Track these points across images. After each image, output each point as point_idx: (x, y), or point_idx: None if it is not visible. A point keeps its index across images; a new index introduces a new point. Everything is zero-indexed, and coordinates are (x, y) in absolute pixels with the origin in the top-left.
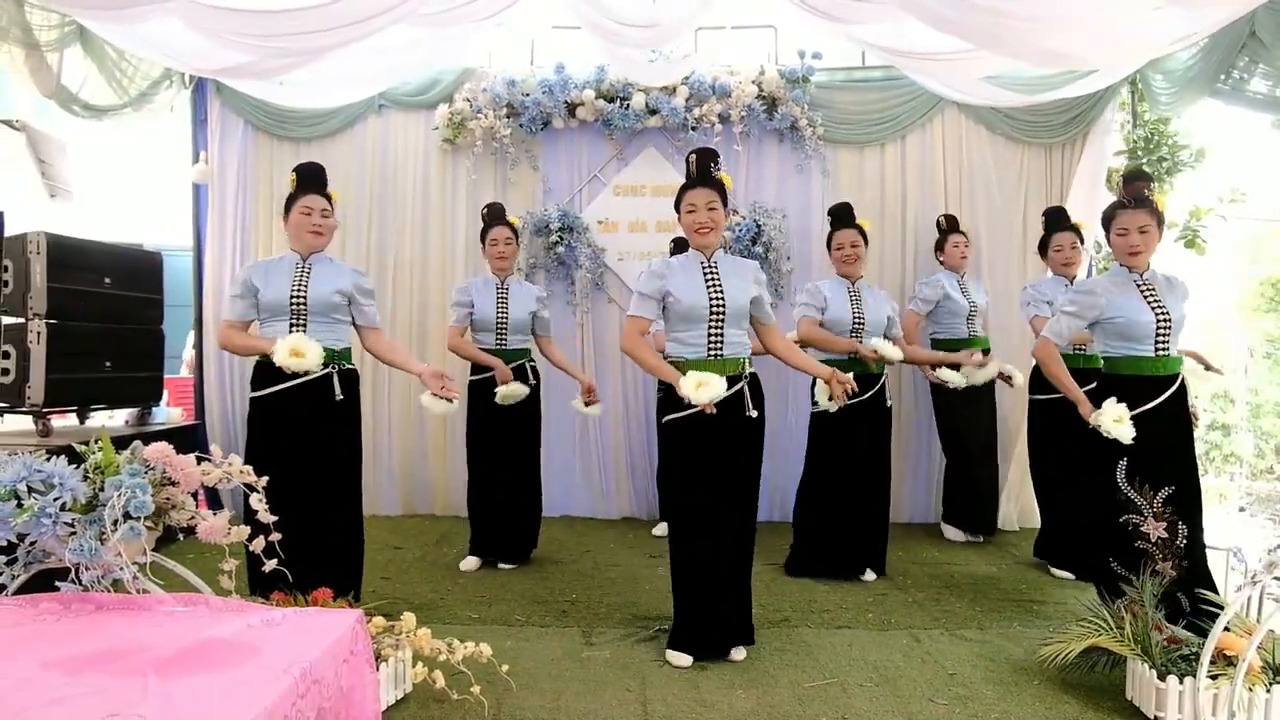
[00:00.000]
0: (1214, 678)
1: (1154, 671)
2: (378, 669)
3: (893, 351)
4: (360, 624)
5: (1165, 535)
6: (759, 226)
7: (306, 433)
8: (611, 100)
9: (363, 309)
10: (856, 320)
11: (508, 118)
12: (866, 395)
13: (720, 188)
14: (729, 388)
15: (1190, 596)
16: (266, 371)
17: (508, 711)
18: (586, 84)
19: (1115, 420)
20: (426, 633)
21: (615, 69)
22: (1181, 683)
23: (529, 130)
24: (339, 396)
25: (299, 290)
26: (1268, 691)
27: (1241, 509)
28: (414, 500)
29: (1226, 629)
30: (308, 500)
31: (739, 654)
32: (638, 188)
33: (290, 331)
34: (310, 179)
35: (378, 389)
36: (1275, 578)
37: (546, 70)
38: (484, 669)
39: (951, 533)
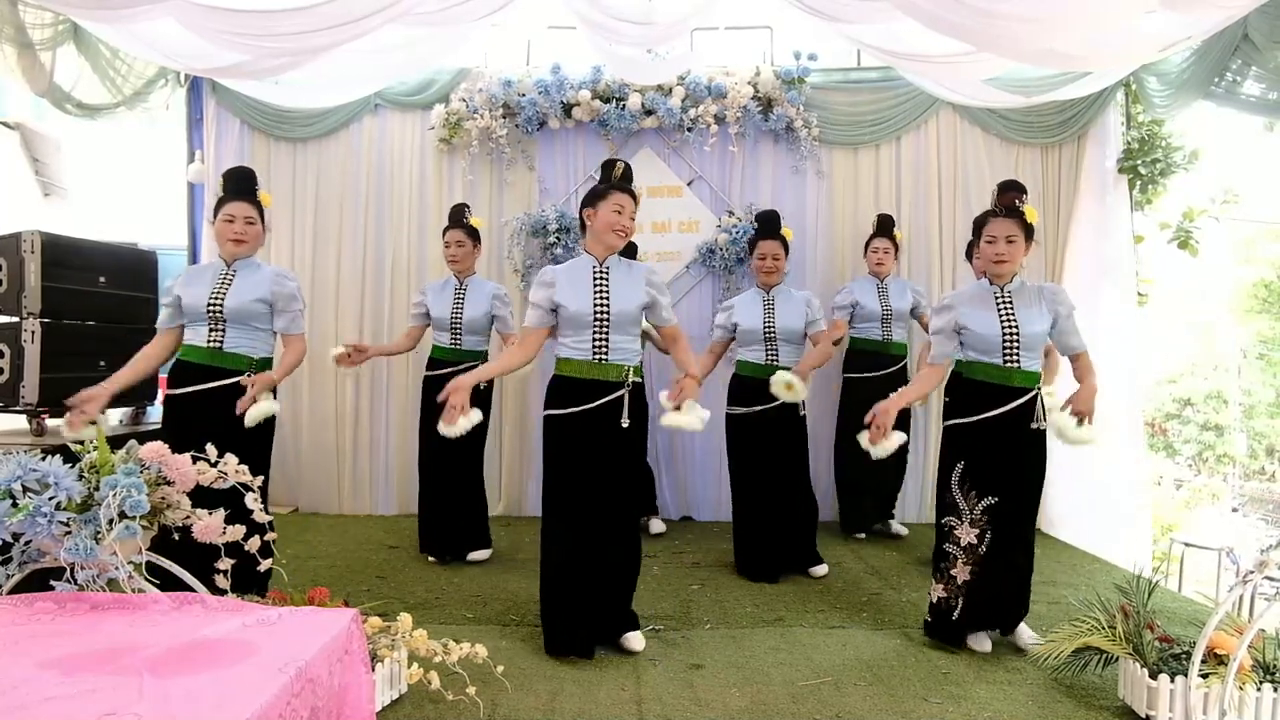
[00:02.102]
0: (1205, 676)
1: (1145, 670)
2: (373, 669)
3: (786, 393)
4: (356, 624)
5: (973, 541)
6: (755, 228)
7: (216, 435)
8: (608, 101)
9: (282, 315)
10: (767, 329)
11: (504, 118)
12: (778, 401)
13: (637, 203)
14: (610, 393)
15: (1001, 601)
16: (179, 371)
17: (503, 712)
18: (583, 84)
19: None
20: (423, 634)
21: (611, 69)
22: (1173, 681)
23: (525, 130)
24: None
25: (216, 297)
26: (1259, 690)
27: (1234, 509)
28: (409, 500)
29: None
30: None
31: (635, 642)
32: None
33: (209, 337)
34: (236, 185)
35: (376, 389)
36: (1266, 577)
37: (543, 70)
38: (479, 669)
39: (896, 527)
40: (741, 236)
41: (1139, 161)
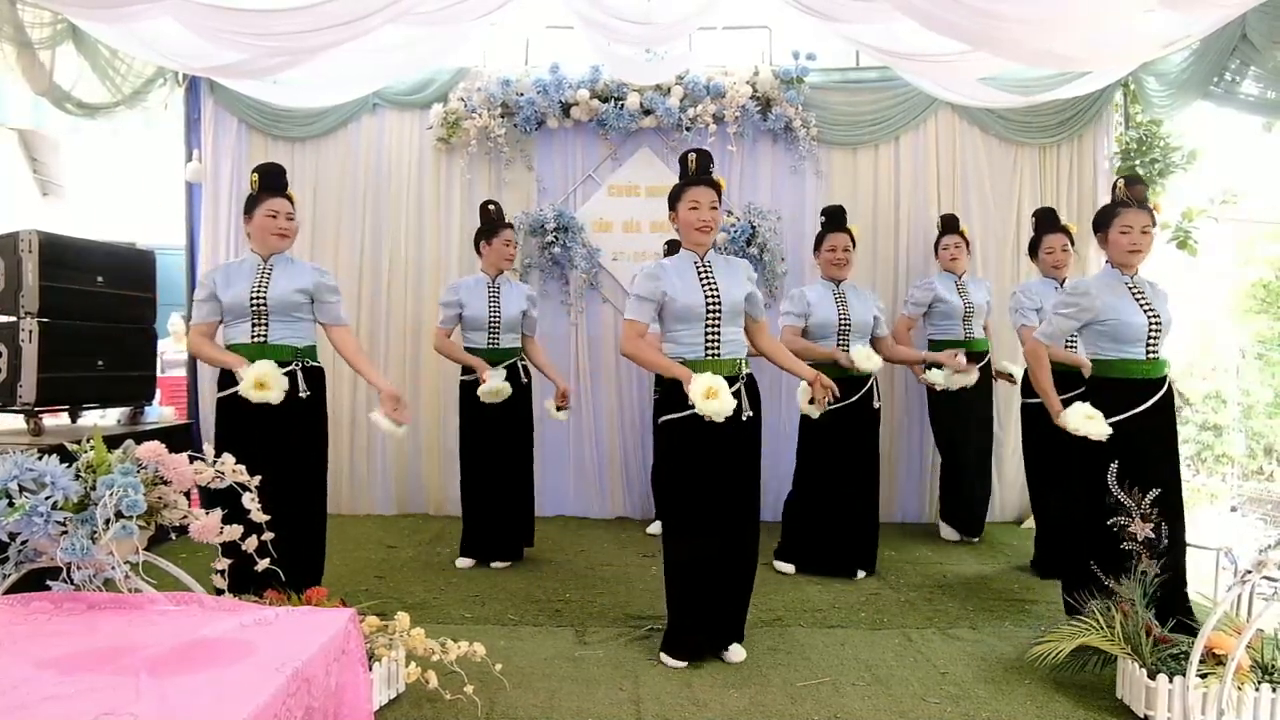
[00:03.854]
0: (1203, 676)
1: (1144, 670)
2: (371, 669)
3: (867, 363)
4: (353, 623)
5: (1151, 536)
6: (753, 228)
7: (271, 430)
8: (606, 100)
9: (325, 307)
10: (843, 322)
11: (502, 117)
12: (854, 398)
13: (719, 189)
14: (728, 389)
15: (1174, 598)
16: (227, 371)
17: (501, 711)
18: (581, 84)
19: (1087, 418)
20: (420, 633)
21: (610, 69)
22: (1171, 681)
23: (524, 130)
24: (303, 393)
25: (259, 291)
26: (1257, 690)
27: (1233, 509)
28: (407, 500)
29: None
30: (272, 497)
31: (736, 655)
32: (632, 188)
33: (253, 332)
34: (273, 181)
35: (372, 389)
36: (1265, 577)
37: (541, 70)
38: (477, 668)
39: (946, 531)
40: (740, 236)
41: (1137, 162)
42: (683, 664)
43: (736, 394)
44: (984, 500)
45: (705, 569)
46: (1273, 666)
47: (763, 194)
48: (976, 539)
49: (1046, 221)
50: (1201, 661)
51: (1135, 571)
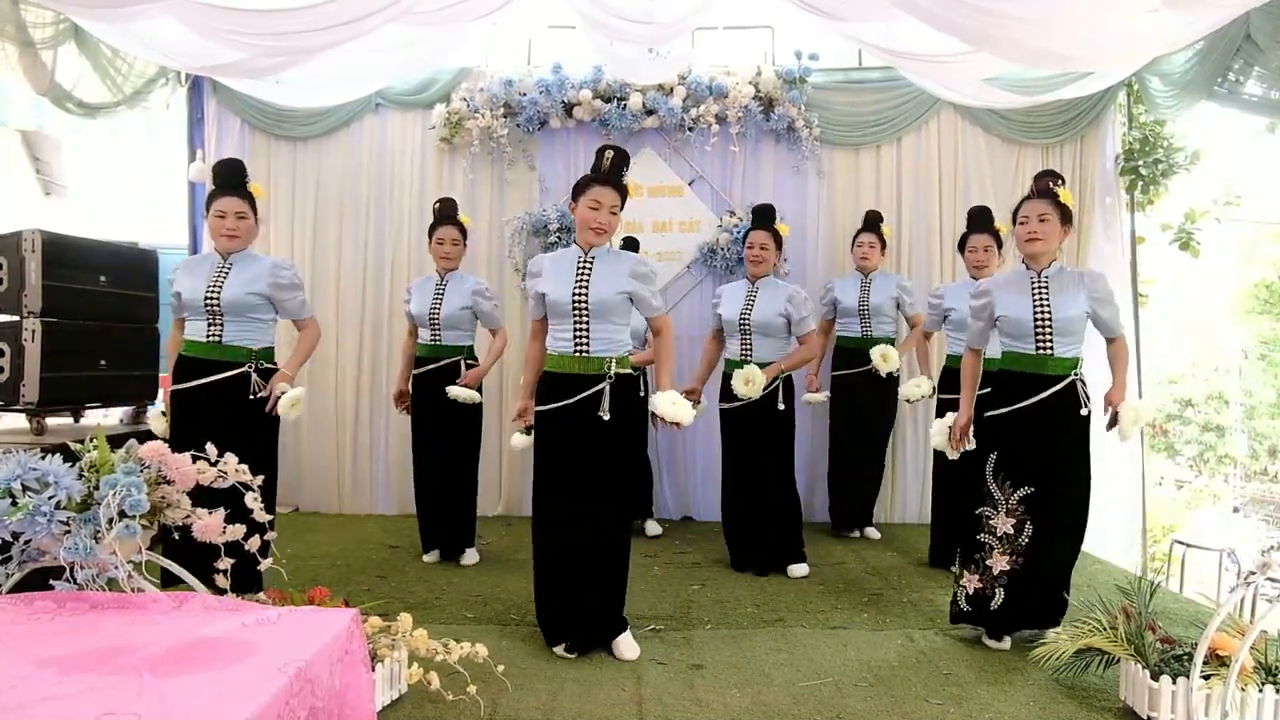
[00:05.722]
0: (1207, 678)
1: (1147, 672)
2: (373, 669)
3: (745, 389)
4: (356, 623)
5: (1010, 531)
6: None
7: (221, 429)
8: (609, 100)
9: (284, 306)
10: (743, 320)
11: (505, 117)
12: (758, 398)
13: (625, 194)
14: (591, 386)
15: (1033, 597)
16: (182, 366)
17: (503, 711)
18: (584, 84)
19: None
20: (423, 633)
21: (612, 69)
22: (1175, 683)
23: (526, 130)
24: (255, 395)
25: (213, 291)
26: (1260, 692)
27: (1236, 510)
28: (409, 500)
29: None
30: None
31: (625, 650)
32: (634, 188)
33: (208, 331)
34: (226, 179)
35: (376, 388)
36: (1268, 578)
37: (544, 70)
38: (479, 668)
39: (869, 531)
40: (742, 236)
41: (1140, 162)
42: (560, 649)
43: (599, 394)
44: (871, 493)
45: (561, 563)
46: (1276, 668)
47: (765, 194)
48: (857, 533)
49: (974, 220)
50: (1205, 663)
51: (980, 564)
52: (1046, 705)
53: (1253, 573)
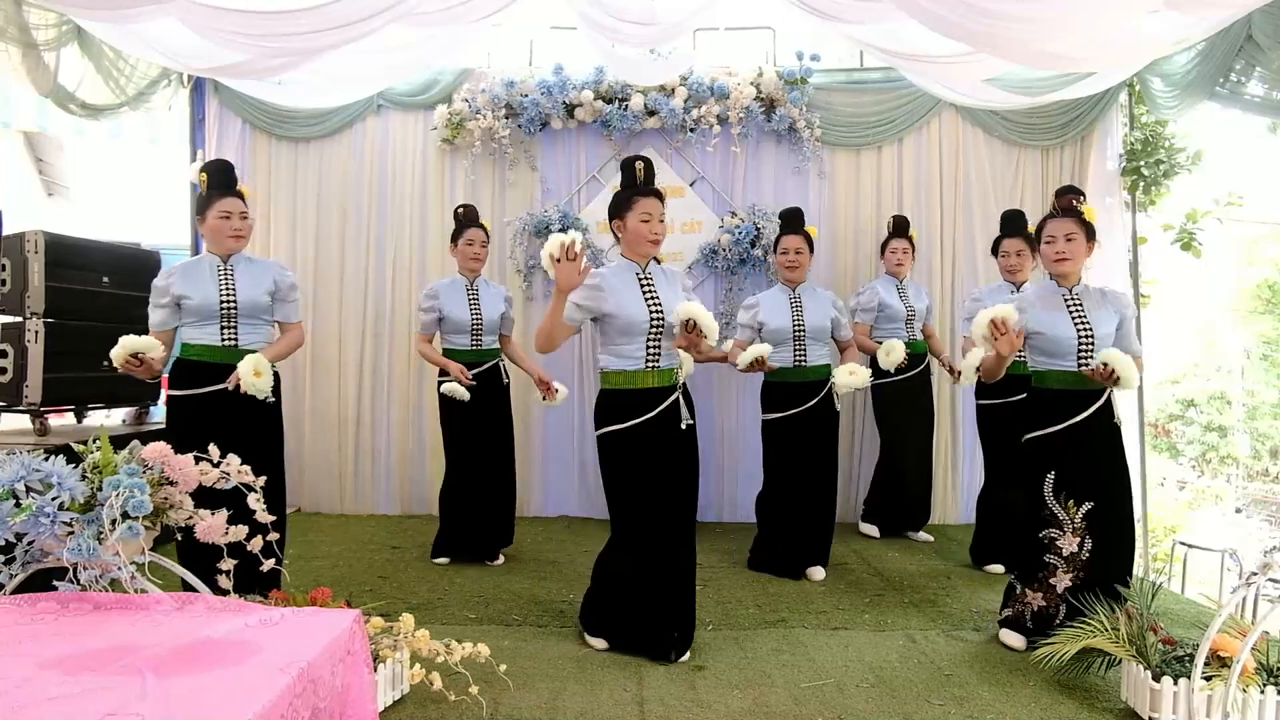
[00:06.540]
0: (1208, 679)
1: (1149, 672)
2: (375, 670)
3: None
4: (358, 624)
5: (1075, 550)
6: (758, 229)
7: (228, 432)
8: (610, 101)
9: (284, 306)
10: (797, 327)
11: (506, 118)
12: (812, 402)
13: (663, 200)
14: (666, 398)
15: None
16: (189, 371)
17: (505, 711)
18: (585, 85)
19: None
20: (425, 634)
21: (613, 69)
22: (1176, 684)
23: (527, 131)
24: (267, 399)
25: (228, 294)
26: (1262, 693)
27: (1238, 510)
28: (411, 500)
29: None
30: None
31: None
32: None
33: (222, 335)
34: (222, 179)
35: (378, 390)
36: (1270, 579)
37: (545, 71)
38: (481, 669)
39: (866, 528)
40: (744, 237)
41: (1142, 163)
42: (603, 644)
43: (675, 404)
44: (925, 496)
45: (655, 574)
46: (1278, 669)
47: (766, 195)
48: (915, 535)
49: (1008, 224)
50: (1206, 664)
51: (1044, 583)
52: (1048, 706)
53: (1254, 573)
